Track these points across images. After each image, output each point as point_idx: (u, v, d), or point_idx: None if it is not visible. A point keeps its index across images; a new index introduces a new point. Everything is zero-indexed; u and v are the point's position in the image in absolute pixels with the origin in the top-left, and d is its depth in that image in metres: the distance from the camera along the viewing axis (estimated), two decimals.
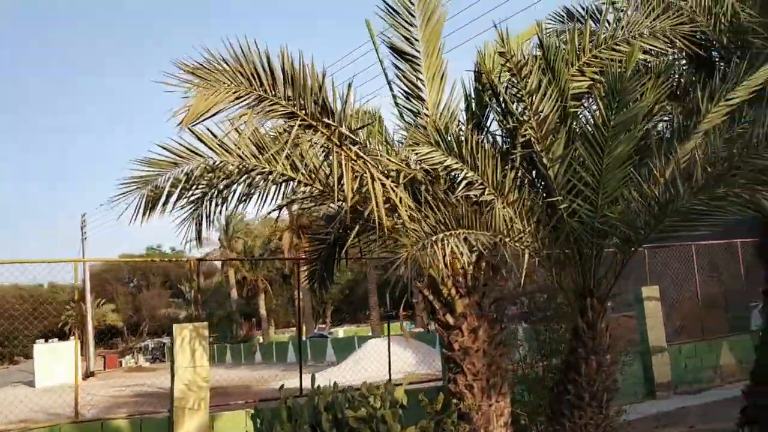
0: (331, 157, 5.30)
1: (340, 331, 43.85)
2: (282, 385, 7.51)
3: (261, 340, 43.28)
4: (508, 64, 5.57)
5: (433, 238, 4.87)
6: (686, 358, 13.87)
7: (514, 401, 7.13)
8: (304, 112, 5.16)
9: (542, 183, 6.32)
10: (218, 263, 53.01)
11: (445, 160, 5.80)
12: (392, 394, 5.72)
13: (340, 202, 6.08)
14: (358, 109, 7.09)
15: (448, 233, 4.98)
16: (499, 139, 6.76)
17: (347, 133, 5.29)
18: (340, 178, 5.45)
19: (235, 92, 4.86)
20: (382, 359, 13.14)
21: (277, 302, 51.45)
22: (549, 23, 7.98)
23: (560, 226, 6.16)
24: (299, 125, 5.15)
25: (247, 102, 5.00)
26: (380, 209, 5.37)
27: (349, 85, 5.35)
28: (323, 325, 53.28)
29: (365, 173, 5.51)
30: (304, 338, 38.47)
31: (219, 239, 47.37)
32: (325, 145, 5.37)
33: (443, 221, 5.03)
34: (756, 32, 6.73)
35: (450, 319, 6.30)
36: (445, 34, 6.49)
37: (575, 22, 7.40)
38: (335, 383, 6.30)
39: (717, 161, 5.08)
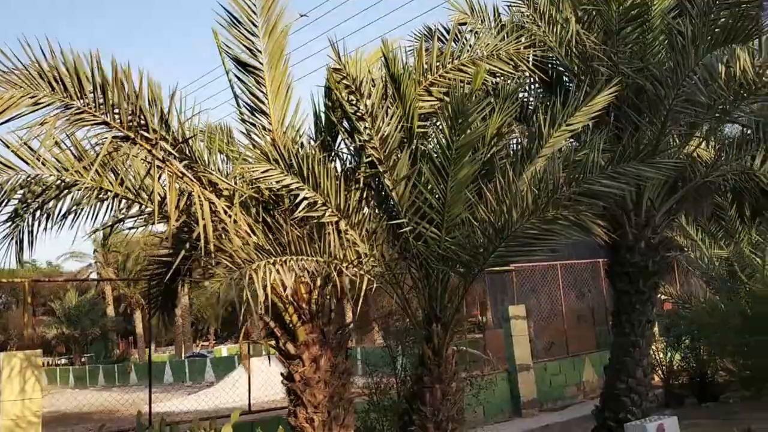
0: (152, 172, 4.82)
1: (224, 350, 42.42)
2: (139, 412, 6.86)
3: (138, 360, 41.20)
4: (345, 81, 5.31)
5: (253, 266, 4.51)
6: (551, 376, 14.15)
7: None
8: (119, 122, 4.68)
9: (388, 205, 6.12)
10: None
11: (284, 179, 5.47)
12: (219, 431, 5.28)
13: (177, 222, 5.61)
14: (208, 125, 6.68)
15: (270, 260, 4.63)
16: (347, 159, 6.51)
17: (168, 147, 4.85)
18: (165, 196, 5.00)
19: (32, 97, 4.31)
20: (263, 379, 12.59)
21: (157, 320, 49.16)
22: (410, 41, 7.86)
23: (407, 250, 5.98)
24: (114, 137, 4.66)
25: (49, 109, 4.46)
26: (207, 231, 4.95)
27: (171, 96, 4.91)
28: (206, 343, 51.46)
29: (193, 191, 5.08)
30: (182, 357, 36.92)
31: (94, 252, 44.83)
32: (147, 159, 4.90)
33: (267, 247, 4.68)
34: (600, 59, 6.86)
35: (291, 348, 5.94)
36: (308, 51, 6.19)
37: (434, 41, 7.29)
38: (162, 419, 5.77)
39: (555, 186, 5.03)
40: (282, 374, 6.14)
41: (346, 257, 5.34)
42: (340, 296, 6.21)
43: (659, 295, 13.80)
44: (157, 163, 4.83)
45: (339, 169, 6.34)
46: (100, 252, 44.38)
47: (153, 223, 5.68)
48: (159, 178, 4.91)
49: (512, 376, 13.29)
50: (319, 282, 5.98)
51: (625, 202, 8.11)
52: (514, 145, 6.46)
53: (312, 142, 6.43)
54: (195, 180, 5.12)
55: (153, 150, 4.81)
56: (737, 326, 10.16)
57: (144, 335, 42.75)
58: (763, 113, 12.97)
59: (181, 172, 4.96)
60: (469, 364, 8.93)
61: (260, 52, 5.98)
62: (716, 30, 6.64)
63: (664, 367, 11.97)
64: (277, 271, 4.61)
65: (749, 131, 8.89)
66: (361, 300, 5.28)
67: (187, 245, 5.47)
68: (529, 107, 7.51)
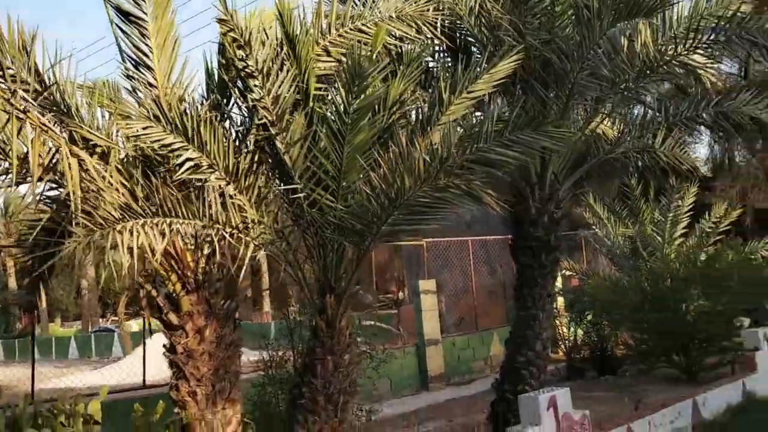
0: (10, 124, 4.35)
1: (134, 324, 41.04)
2: None
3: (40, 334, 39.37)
4: (232, 34, 4.96)
5: (118, 226, 4.14)
6: (460, 350, 14.25)
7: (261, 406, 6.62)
8: None
9: (282, 170, 5.81)
10: None
11: (165, 138, 5.07)
12: (86, 409, 4.90)
13: (42, 181, 5.14)
14: (95, 82, 6.19)
15: (139, 222, 4.27)
16: (241, 121, 6.15)
17: (29, 97, 4.38)
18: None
19: None
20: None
21: (63, 293, 47.09)
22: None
23: (301, 217, 5.70)
24: None
25: None
26: (75, 191, 4.52)
27: (33, 37, 4.43)
28: (115, 318, 49.68)
29: (60, 147, 4.63)
30: (88, 332, 35.58)
31: None
32: (5, 109, 4.42)
33: (135, 207, 4.31)
34: (506, 29, 6.74)
35: (174, 319, 5.59)
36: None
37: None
38: (27, 395, 5.33)
39: (448, 154, 4.85)
40: (164, 346, 5.79)
41: (229, 222, 5.02)
42: (229, 265, 5.88)
43: (565, 271, 14.11)
44: (16, 113, 4.36)
45: (231, 131, 5.99)
46: (1, 221, 41.94)
47: (16, 183, 5.17)
48: (19, 132, 4.44)
49: (421, 351, 13.30)
50: (206, 250, 5.65)
51: (530, 175, 8.07)
52: (416, 113, 6.25)
53: (203, 101, 6.04)
54: (64, 135, 4.67)
55: (11, 99, 4.33)
56: (635, 303, 10.42)
57: (47, 308, 40.91)
58: (668, 94, 13.34)
59: (45, 126, 4.50)
60: (371, 338, 8.75)
61: (144, 0, 5.53)
62: (621, 4, 6.60)
63: (567, 342, 12.22)
64: (146, 233, 4.25)
65: (655, 112, 9.00)
66: (252, 270, 4.98)
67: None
68: (436, 75, 7.33)
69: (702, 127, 17.98)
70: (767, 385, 8.98)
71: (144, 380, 9.65)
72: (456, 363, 14.06)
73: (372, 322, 18.99)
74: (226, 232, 4.99)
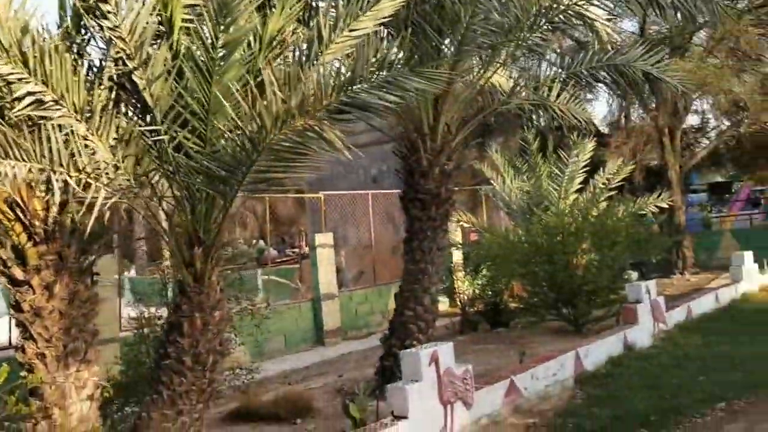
0: None
1: None
2: None
3: None
4: None
5: None
6: (357, 304, 14.08)
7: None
8: None
9: (145, 110, 5.25)
10: None
11: (1, 68, 4.44)
12: None
13: None
14: None
15: None
16: (98, 56, 5.51)
17: None
18: None
19: None
20: None
21: None
22: None
23: (167, 162, 5.19)
24: None
25: None
26: None
27: None
28: None
29: None
30: None
31: None
32: None
33: None
34: None
35: (18, 273, 5.01)
36: None
37: None
38: None
39: (316, 95, 4.47)
40: (11, 304, 5.21)
41: (75, 166, 4.47)
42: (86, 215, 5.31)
43: (462, 224, 14.12)
44: None
45: (84, 64, 5.35)
46: None
47: None
48: None
49: (317, 306, 13.04)
50: (57, 197, 5.06)
51: (422, 125, 7.81)
52: (293, 52, 5.79)
53: (56, 31, 5.36)
54: None
55: None
56: (525, 256, 10.48)
57: None
58: (569, 50, 13.33)
59: None
60: (246, 293, 8.36)
61: None
62: None
63: (462, 296, 12.25)
64: None
65: (549, 65, 8.90)
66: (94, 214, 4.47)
67: None
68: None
69: (601, 85, 18.40)
70: (646, 336, 9.25)
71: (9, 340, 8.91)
72: (353, 317, 13.90)
73: (267, 276, 18.63)
74: (71, 177, 4.43)
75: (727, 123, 19.24)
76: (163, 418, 5.27)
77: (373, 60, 4.48)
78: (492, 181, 14.01)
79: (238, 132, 4.56)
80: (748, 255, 13.21)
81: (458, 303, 12.26)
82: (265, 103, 4.32)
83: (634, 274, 17.85)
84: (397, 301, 8.22)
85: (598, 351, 8.28)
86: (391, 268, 16.19)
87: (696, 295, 11.92)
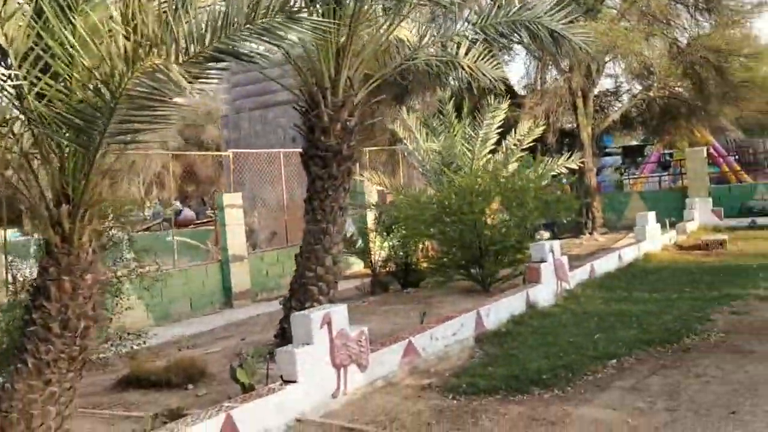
0: None
1: None
2: None
3: None
4: None
5: None
6: (269, 266, 13.76)
7: None
8: None
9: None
10: None
11: None
12: None
13: None
14: None
15: None
16: None
17: None
18: None
19: None
20: None
21: None
22: None
23: (31, 111, 4.71)
24: None
25: None
26: None
27: None
28: None
29: None
30: None
31: None
32: None
33: None
34: None
35: None
36: None
37: None
38: None
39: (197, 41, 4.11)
40: None
41: None
42: None
43: (375, 185, 13.94)
44: None
45: None
46: None
47: None
48: None
49: (225, 267, 12.67)
50: None
51: (323, 79, 7.48)
52: None
53: None
54: None
55: None
56: (434, 216, 10.40)
57: None
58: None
59: None
60: (140, 256, 7.94)
61: None
62: None
63: (373, 256, 12.11)
64: None
65: (455, 19, 8.67)
66: None
67: None
68: None
69: (518, 46, 18.37)
70: (549, 295, 9.34)
71: None
72: (264, 279, 13.58)
73: (175, 239, 18.02)
74: None
75: (639, 87, 19.65)
76: (28, 389, 4.88)
77: (246, 6, 4.12)
78: (405, 141, 13.84)
79: (96, 77, 4.13)
80: (651, 216, 13.58)
81: (369, 264, 12.11)
82: (116, 43, 3.91)
83: (546, 234, 18.18)
84: (298, 261, 7.97)
85: (500, 310, 8.29)
86: (280, 230, 15.90)
87: (601, 254, 12.18)
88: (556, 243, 9.85)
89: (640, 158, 30.28)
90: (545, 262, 9.40)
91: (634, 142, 30.84)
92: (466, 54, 9.01)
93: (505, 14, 8.07)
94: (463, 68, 9.02)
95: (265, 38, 4.19)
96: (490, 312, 8.06)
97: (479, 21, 8.06)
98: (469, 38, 8.29)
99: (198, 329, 10.73)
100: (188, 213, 29.94)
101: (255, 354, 6.09)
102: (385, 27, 7.73)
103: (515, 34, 8.25)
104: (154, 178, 44.10)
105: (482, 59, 9.23)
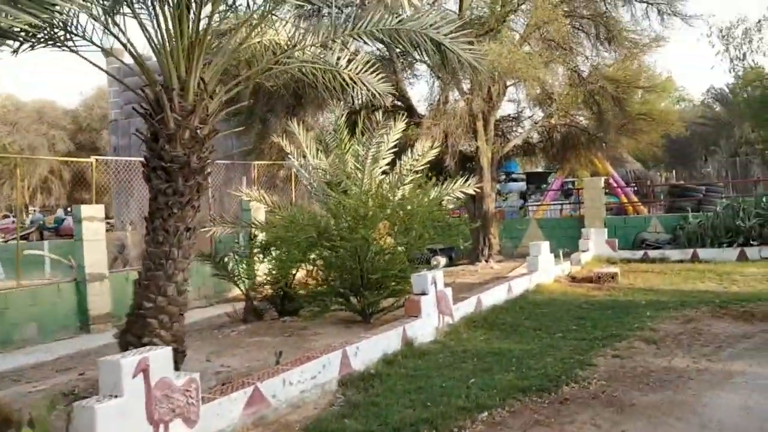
0: None
1: None
2: None
3: None
4: None
5: None
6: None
7: None
8: None
9: None
10: None
11: None
12: None
13: None
14: None
15: None
16: None
17: None
18: None
19: None
20: None
21: None
22: None
23: None
24: None
25: None
26: None
27: None
28: None
29: None
30: None
31: None
32: None
33: None
34: None
35: None
36: None
37: None
38: None
39: None
40: None
41: None
42: None
43: (253, 202, 12.90)
44: None
45: None
46: None
47: None
48: None
49: (81, 287, 11.29)
50: None
51: (170, 79, 6.47)
52: None
53: None
54: None
55: None
56: (309, 239, 9.50)
57: None
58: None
59: None
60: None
61: None
62: None
63: (246, 280, 11.05)
64: None
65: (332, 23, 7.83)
66: None
67: None
68: None
69: (421, 64, 17.80)
70: (429, 330, 8.59)
71: None
72: (129, 301, 12.17)
73: (39, 252, 16.35)
74: None
75: (541, 114, 19.50)
76: None
77: None
78: (290, 157, 12.90)
79: None
80: (545, 246, 13.15)
81: (241, 288, 11.04)
82: None
83: (443, 260, 17.63)
84: (136, 290, 6.87)
85: (372, 347, 7.43)
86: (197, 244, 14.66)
87: (490, 285, 11.57)
88: (439, 273, 9.11)
89: (544, 185, 30.59)
90: (426, 294, 8.64)
91: (539, 169, 31.12)
92: (349, 63, 8.25)
93: (385, 22, 7.30)
94: (343, 79, 8.23)
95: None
96: (359, 350, 7.18)
97: (356, 27, 7.25)
98: (347, 45, 7.48)
99: (40, 358, 9.40)
100: (70, 222, 27.86)
101: (51, 404, 4.98)
102: (248, 25, 6.80)
103: (397, 44, 7.49)
104: (40, 183, 41.39)
105: (367, 71, 8.49)
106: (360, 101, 18.22)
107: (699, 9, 47.14)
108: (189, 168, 6.54)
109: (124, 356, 4.86)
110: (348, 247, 9.55)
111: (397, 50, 16.01)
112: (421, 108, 18.98)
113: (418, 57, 7.87)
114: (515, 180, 32.38)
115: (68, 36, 6.73)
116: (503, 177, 31.84)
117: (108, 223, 16.61)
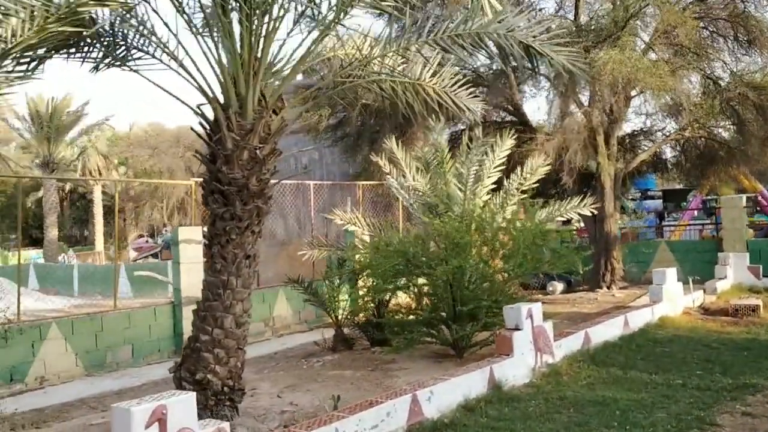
0: None
1: None
2: None
3: None
4: None
5: None
6: None
7: None
8: None
9: None
10: None
11: None
12: None
13: None
14: None
15: None
16: None
17: None
18: None
19: None
20: None
21: None
22: None
23: None
24: None
25: None
26: None
27: None
28: None
29: None
30: None
31: None
32: None
33: None
34: None
35: None
36: None
37: None
38: None
39: None
40: None
41: None
42: None
43: (343, 223, 12.39)
44: None
45: None
46: None
47: None
48: None
49: (177, 310, 11.25)
50: None
51: (228, 96, 6.04)
52: None
53: None
54: None
55: None
56: (395, 268, 8.82)
57: None
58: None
59: None
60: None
61: None
62: None
63: (336, 307, 10.50)
64: None
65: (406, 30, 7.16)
66: None
67: None
68: None
69: (543, 77, 16.69)
70: (523, 371, 7.60)
71: None
72: None
73: (146, 273, 16.76)
74: None
75: (674, 126, 17.75)
76: None
77: None
78: (389, 177, 12.30)
79: None
80: (671, 272, 11.64)
81: (332, 316, 10.51)
82: None
83: (560, 286, 16.31)
84: (193, 321, 6.47)
85: (450, 391, 6.59)
86: (279, 268, 14.44)
87: (604, 317, 10.31)
88: (537, 306, 8.08)
89: (684, 203, 28.29)
90: (520, 330, 7.68)
91: (679, 186, 28.84)
92: (435, 75, 7.54)
93: (465, 27, 6.52)
94: (428, 93, 7.53)
95: None
96: (434, 394, 6.36)
97: (433, 33, 6.52)
98: (423, 54, 6.76)
99: (126, 384, 9.32)
100: None
101: None
102: (311, 36, 6.27)
103: (480, 49, 6.68)
104: (177, 204, 43.59)
105: (454, 85, 7.73)
106: (473, 118, 17.50)
107: None
108: (248, 191, 6.08)
109: (139, 403, 4.38)
110: (440, 275, 8.76)
111: (513, 63, 15.15)
112: (536, 122, 17.86)
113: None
114: (652, 197, 30.16)
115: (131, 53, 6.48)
116: (638, 194, 29.73)
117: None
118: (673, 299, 11.59)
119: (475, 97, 8.13)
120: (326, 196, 15.12)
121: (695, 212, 25.37)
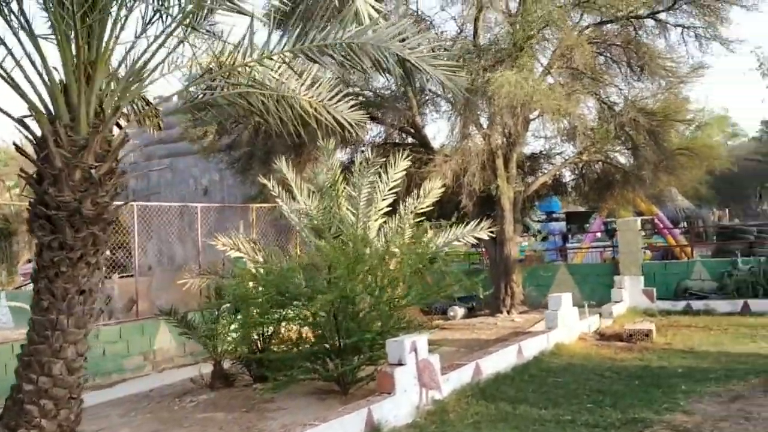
0: None
1: None
2: None
3: None
4: None
5: None
6: (106, 344, 11.22)
7: None
8: None
9: None
10: None
11: None
12: None
13: None
14: None
15: None
16: None
17: None
18: None
19: None
20: None
21: None
22: None
23: None
24: None
25: None
26: None
27: None
28: None
29: None
30: None
31: None
32: None
33: None
34: None
35: None
36: None
37: None
38: None
39: None
40: None
41: None
42: None
43: (226, 249, 11.60)
44: None
45: None
46: None
47: None
48: None
49: None
50: None
51: (58, 106, 5.23)
52: None
53: None
54: None
55: None
56: (269, 300, 8.13)
57: None
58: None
59: None
60: None
61: None
62: None
63: (216, 341, 9.67)
64: None
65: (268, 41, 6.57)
66: None
67: None
68: None
69: (443, 99, 16.41)
70: (406, 410, 7.03)
71: None
72: (99, 360, 11.00)
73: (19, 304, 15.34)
74: None
75: (573, 150, 17.87)
76: None
77: None
78: (278, 200, 11.63)
79: None
80: (566, 297, 11.42)
81: (210, 351, 9.65)
82: None
83: (461, 311, 15.97)
84: (16, 368, 5.56)
85: None
86: (172, 296, 13.46)
87: (498, 345, 9.91)
88: (422, 339, 7.54)
89: (586, 225, 28.76)
90: (403, 365, 7.12)
91: (581, 209, 29.33)
92: (312, 87, 6.97)
93: (338, 35, 5.98)
94: (304, 107, 6.94)
95: None
96: None
97: (299, 42, 5.94)
98: (287, 63, 6.17)
99: None
100: None
101: None
102: (160, 39, 5.56)
103: (353, 61, 6.14)
104: None
105: (333, 98, 7.18)
106: (370, 138, 17.03)
107: (743, 36, 44.93)
108: (80, 216, 5.27)
109: None
110: (322, 306, 8.11)
111: (417, 85, 14.80)
112: (439, 145, 17.58)
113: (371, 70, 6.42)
114: (557, 220, 30.55)
115: None
116: (543, 217, 30.07)
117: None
118: (568, 325, 11.36)
119: (357, 110, 7.61)
120: (213, 221, 14.23)
121: (597, 234, 25.77)
